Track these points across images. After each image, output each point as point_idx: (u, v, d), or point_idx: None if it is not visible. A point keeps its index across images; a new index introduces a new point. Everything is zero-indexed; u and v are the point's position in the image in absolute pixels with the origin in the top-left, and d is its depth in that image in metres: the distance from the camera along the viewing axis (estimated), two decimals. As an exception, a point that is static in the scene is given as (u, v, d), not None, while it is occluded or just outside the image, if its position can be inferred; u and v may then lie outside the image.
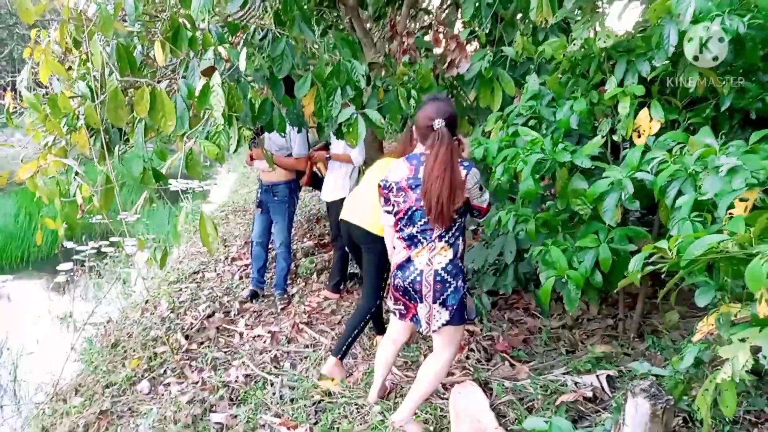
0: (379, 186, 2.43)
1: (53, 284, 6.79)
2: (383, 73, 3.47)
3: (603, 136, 2.75)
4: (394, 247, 2.44)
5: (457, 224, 2.34)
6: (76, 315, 5.25)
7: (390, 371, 2.77)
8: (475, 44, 4.37)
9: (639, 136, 2.55)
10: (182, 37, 2.67)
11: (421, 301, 2.34)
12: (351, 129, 3.12)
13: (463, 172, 2.28)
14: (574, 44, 2.79)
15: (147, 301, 4.34)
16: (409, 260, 2.33)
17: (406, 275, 2.34)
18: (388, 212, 2.42)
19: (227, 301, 4.18)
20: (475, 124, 3.85)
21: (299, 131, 4.01)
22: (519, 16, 3.77)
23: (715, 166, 1.74)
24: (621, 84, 2.62)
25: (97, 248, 8.26)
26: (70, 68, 2.98)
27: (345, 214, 3.16)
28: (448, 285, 2.32)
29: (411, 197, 2.30)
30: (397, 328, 2.61)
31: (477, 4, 3.62)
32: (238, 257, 5.29)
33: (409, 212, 2.31)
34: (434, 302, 2.32)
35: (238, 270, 4.86)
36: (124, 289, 5.78)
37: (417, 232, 2.31)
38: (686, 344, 1.83)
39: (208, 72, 2.59)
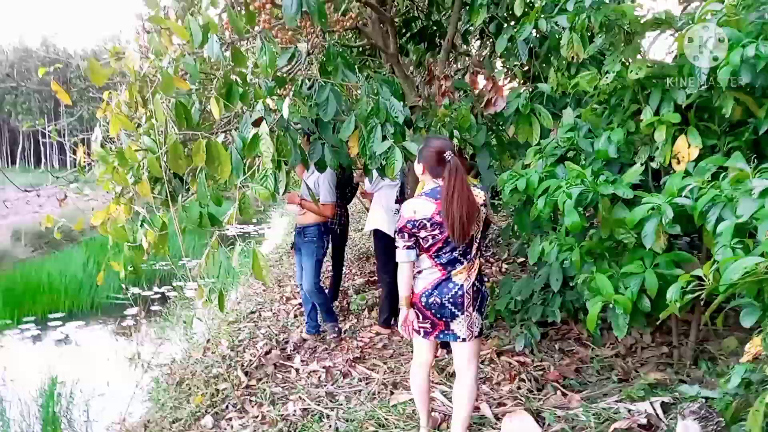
0: (406, 227, 2.54)
1: (119, 328, 7.16)
2: (423, 116, 3.63)
3: (642, 164, 2.80)
4: (420, 272, 2.58)
5: (477, 242, 2.64)
6: (143, 356, 5.53)
7: (431, 398, 2.86)
8: (514, 82, 4.52)
9: (678, 163, 2.59)
10: (235, 93, 2.91)
11: (462, 313, 2.56)
12: (388, 160, 3.27)
13: (481, 193, 2.63)
14: (607, 77, 2.87)
15: (208, 341, 4.55)
16: (447, 279, 2.54)
17: (445, 292, 2.54)
18: (410, 248, 2.56)
19: (283, 339, 4.34)
20: (516, 158, 3.95)
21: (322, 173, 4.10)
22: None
23: (748, 189, 1.78)
24: (657, 112, 2.68)
25: (161, 293, 8.67)
26: (138, 125, 3.27)
27: None
28: (480, 293, 2.67)
29: (446, 227, 2.49)
30: (423, 350, 2.70)
31: (511, 42, 3.76)
32: (292, 296, 5.47)
33: (449, 240, 2.50)
34: (474, 310, 2.61)
35: (293, 308, 5.03)
36: (186, 331, 6.05)
37: (459, 255, 2.54)
38: (734, 366, 1.84)
39: (257, 122, 2.82)
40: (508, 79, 4.14)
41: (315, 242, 4.21)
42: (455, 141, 3.43)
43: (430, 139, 2.67)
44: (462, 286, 2.55)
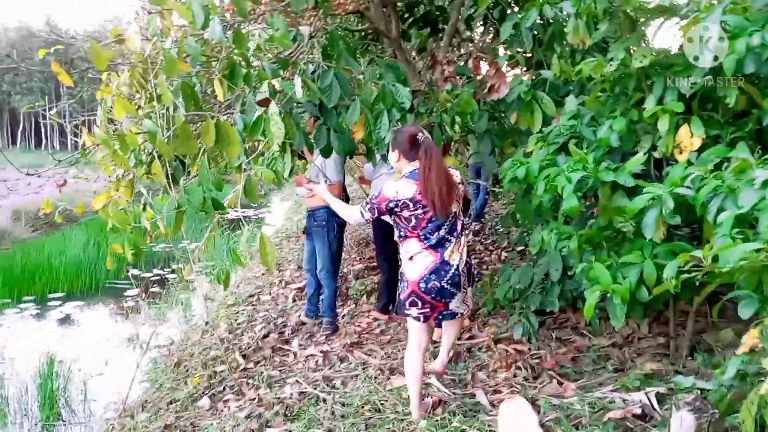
0: (382, 205, 2.61)
1: (119, 309, 7.19)
2: (425, 101, 3.60)
3: (644, 153, 2.78)
4: (411, 258, 2.62)
5: (461, 220, 2.74)
6: (142, 337, 5.56)
7: (426, 384, 2.95)
8: (517, 68, 4.48)
9: (681, 153, 2.57)
10: (238, 73, 2.89)
11: (459, 291, 2.66)
12: None
13: (456, 172, 2.75)
14: (611, 65, 2.84)
15: (207, 323, 4.57)
16: (443, 263, 2.60)
17: (443, 275, 2.60)
18: (369, 214, 2.68)
19: (281, 323, 4.35)
20: (517, 146, 3.92)
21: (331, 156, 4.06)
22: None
23: (750, 179, 1.76)
24: (660, 102, 2.66)
25: (160, 275, 8.69)
26: (138, 107, 3.25)
27: None
28: (470, 267, 2.79)
29: (427, 202, 2.57)
30: (419, 333, 2.73)
31: (515, 29, 3.72)
32: (291, 281, 5.48)
33: (433, 219, 2.58)
34: (469, 285, 2.76)
35: (292, 293, 5.04)
36: (185, 313, 6.07)
37: (446, 233, 2.62)
38: (731, 357, 1.84)
39: (264, 102, 2.80)
40: (511, 66, 4.10)
41: (324, 225, 4.15)
42: (456, 127, 3.40)
43: (398, 129, 2.79)
44: (458, 266, 2.64)
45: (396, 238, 2.75)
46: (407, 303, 2.64)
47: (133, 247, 3.38)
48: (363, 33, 4.86)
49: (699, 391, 2.04)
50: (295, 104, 3.18)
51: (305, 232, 4.38)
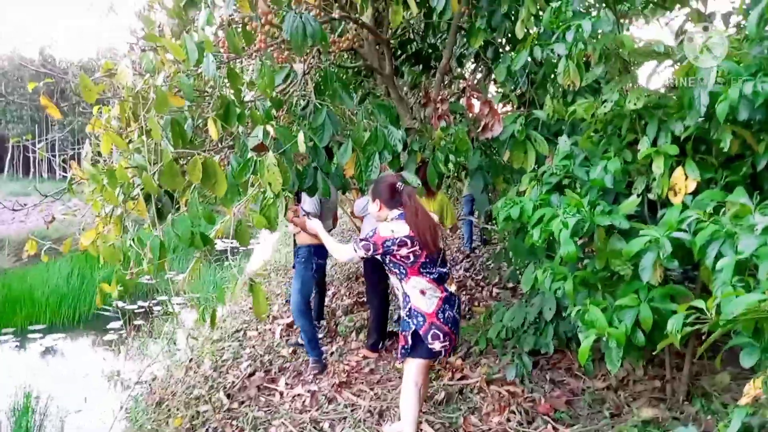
0: (378, 243, 2.64)
1: (101, 342, 7.01)
2: (419, 138, 3.60)
3: (638, 195, 2.77)
4: (423, 293, 2.65)
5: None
6: (124, 373, 5.39)
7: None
8: (509, 106, 4.51)
9: (675, 195, 2.56)
10: (232, 114, 2.86)
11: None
12: None
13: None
14: (604, 106, 2.85)
15: (191, 360, 4.44)
16: (449, 294, 2.70)
17: (454, 305, 2.72)
18: (365, 253, 2.70)
19: (268, 360, 4.24)
20: (510, 183, 3.92)
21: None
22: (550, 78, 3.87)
23: (749, 225, 1.74)
24: (654, 143, 2.66)
25: (145, 307, 8.52)
26: (130, 141, 3.20)
27: None
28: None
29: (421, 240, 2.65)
30: (424, 371, 2.79)
31: (509, 69, 3.75)
32: (279, 315, 5.38)
33: (428, 255, 2.64)
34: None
35: (279, 328, 4.93)
36: (169, 348, 5.91)
37: (441, 266, 2.70)
38: (732, 407, 1.78)
39: (259, 148, 2.76)
40: (503, 104, 4.12)
41: (303, 263, 4.06)
42: (450, 165, 3.39)
43: (377, 179, 2.89)
44: (458, 297, 2.79)
45: (394, 279, 2.73)
46: (429, 336, 2.64)
47: (121, 283, 3.29)
48: (356, 69, 4.89)
49: (701, 443, 1.97)
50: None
51: (294, 267, 4.32)
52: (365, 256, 2.68)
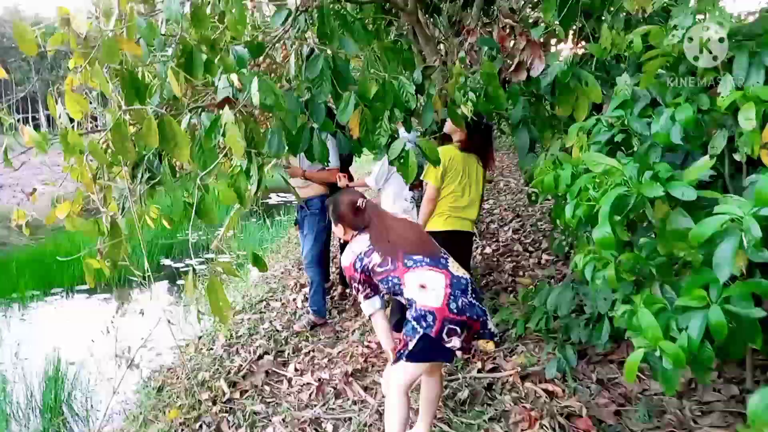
0: (355, 272, 2.33)
1: (139, 304, 6.93)
2: (441, 78, 2.97)
3: (715, 156, 2.07)
4: (423, 285, 2.18)
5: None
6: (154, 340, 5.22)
7: None
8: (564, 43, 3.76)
9: (770, 155, 1.86)
10: (197, 62, 2.36)
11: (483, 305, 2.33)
12: (404, 162, 2.66)
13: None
14: (673, 35, 2.13)
15: (200, 338, 4.15)
16: (455, 277, 2.22)
17: (466, 289, 2.23)
18: (369, 296, 2.35)
19: (284, 338, 3.87)
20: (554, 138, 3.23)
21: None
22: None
23: None
24: (742, 85, 1.94)
25: (191, 266, 8.42)
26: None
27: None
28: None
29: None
30: (420, 371, 2.27)
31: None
32: (305, 283, 5.00)
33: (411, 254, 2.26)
34: None
35: (300, 296, 4.57)
36: (200, 312, 5.69)
37: (432, 260, 2.26)
38: None
39: (221, 104, 2.27)
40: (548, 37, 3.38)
41: (317, 214, 3.97)
42: (469, 107, 2.77)
43: (335, 201, 2.57)
44: (468, 279, 2.27)
45: (399, 298, 2.30)
46: (444, 335, 2.11)
47: (108, 258, 2.95)
48: (380, 5, 4.21)
49: None
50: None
51: (296, 224, 3.99)
52: (365, 294, 2.36)
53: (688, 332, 1.80)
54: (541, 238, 5.27)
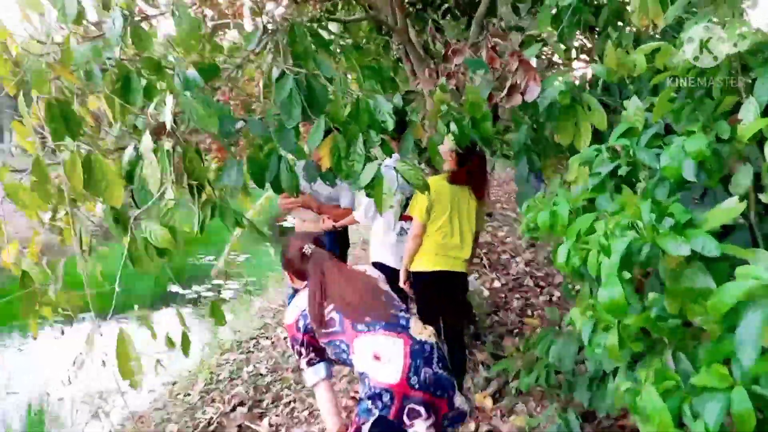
0: (297, 333, 2.03)
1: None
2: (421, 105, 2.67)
3: (742, 195, 1.70)
4: (378, 356, 1.85)
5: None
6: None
7: None
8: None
9: (805, 197, 1.50)
10: (134, 87, 2.09)
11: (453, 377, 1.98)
12: (376, 187, 2.34)
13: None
14: (683, 51, 1.79)
15: (174, 384, 3.86)
16: (417, 342, 1.88)
17: (431, 357, 1.90)
18: (313, 362, 2.00)
19: (267, 383, 3.56)
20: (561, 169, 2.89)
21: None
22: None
23: None
24: (767, 111, 1.60)
25: (198, 293, 8.25)
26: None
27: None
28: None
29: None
30: None
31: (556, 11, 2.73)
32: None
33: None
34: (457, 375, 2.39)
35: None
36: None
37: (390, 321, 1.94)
38: None
39: (159, 132, 2.00)
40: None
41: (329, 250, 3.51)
42: (451, 138, 2.46)
43: (284, 244, 2.35)
44: (436, 343, 1.95)
45: (339, 360, 2.00)
46: (405, 417, 1.78)
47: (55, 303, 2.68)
48: (375, 25, 3.95)
49: None
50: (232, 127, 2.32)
51: None
52: (308, 359, 2.03)
53: (704, 419, 1.43)
54: (555, 271, 4.87)
